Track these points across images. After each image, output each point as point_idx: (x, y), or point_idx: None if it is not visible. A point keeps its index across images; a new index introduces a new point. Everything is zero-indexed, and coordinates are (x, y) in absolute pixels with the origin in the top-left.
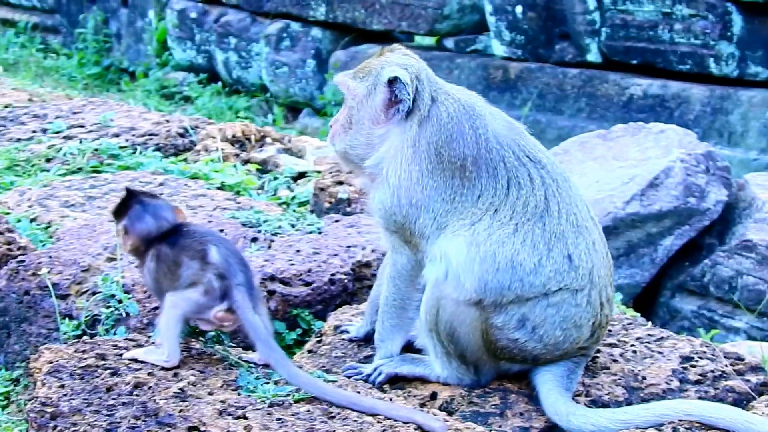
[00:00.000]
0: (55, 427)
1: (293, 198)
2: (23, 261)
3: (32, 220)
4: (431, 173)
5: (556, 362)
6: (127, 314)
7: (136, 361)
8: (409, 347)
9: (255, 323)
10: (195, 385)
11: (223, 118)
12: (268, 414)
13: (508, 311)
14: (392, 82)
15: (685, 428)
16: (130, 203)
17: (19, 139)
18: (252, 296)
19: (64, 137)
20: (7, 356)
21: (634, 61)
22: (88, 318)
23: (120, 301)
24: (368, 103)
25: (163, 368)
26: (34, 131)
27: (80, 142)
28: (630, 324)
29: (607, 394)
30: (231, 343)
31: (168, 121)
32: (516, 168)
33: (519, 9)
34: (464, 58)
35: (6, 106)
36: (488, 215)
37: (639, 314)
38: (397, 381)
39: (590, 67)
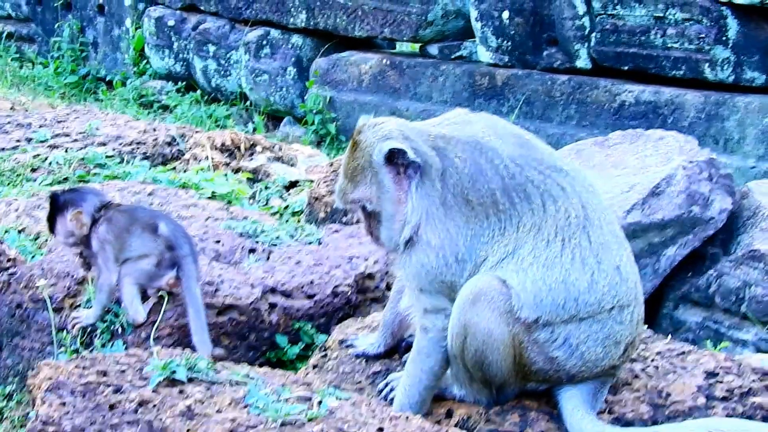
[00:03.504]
0: None
1: (286, 207)
2: (14, 273)
3: (20, 231)
4: (467, 223)
5: (583, 381)
6: (123, 328)
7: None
8: None
9: (196, 295)
10: (202, 403)
11: (203, 126)
12: None
13: (554, 330)
14: (389, 157)
15: None
16: (59, 202)
17: (3, 149)
18: (196, 267)
19: (50, 146)
20: None
21: (626, 67)
22: (83, 332)
23: (116, 315)
24: (384, 193)
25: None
26: (18, 140)
27: (66, 151)
28: (649, 338)
29: (631, 412)
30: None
31: (155, 129)
32: (544, 183)
33: (505, 14)
34: (449, 65)
35: None
36: (530, 236)
37: (646, 326)
38: None
39: (580, 73)
